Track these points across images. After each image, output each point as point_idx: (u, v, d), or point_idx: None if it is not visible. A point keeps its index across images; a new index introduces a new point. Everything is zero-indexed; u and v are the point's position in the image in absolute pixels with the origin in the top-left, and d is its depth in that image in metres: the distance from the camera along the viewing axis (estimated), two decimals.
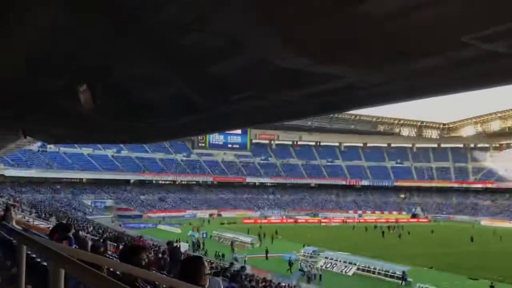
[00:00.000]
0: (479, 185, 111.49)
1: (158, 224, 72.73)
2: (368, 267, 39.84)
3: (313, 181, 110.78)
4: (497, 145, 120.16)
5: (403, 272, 37.44)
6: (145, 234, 53.70)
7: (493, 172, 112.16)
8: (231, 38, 2.38)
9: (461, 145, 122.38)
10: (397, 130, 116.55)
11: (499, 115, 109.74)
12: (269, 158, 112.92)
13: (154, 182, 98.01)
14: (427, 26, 1.95)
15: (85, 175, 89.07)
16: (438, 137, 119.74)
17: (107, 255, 10.51)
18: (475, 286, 35.54)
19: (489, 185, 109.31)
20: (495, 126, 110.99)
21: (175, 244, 18.63)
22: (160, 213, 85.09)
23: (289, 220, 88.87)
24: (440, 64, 2.35)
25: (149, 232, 61.23)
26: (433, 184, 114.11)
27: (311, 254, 44.92)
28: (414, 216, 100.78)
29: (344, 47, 2.29)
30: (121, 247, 21.62)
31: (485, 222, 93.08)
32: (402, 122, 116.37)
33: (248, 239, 55.50)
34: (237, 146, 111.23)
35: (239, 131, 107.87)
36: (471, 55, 2.14)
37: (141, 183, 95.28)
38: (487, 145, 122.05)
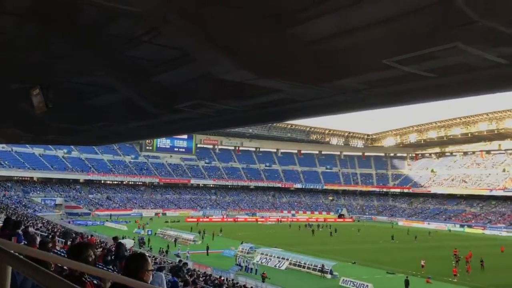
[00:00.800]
0: (397, 190, 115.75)
1: (105, 222, 70.72)
2: (299, 262, 40.36)
3: (252, 184, 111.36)
4: (413, 154, 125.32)
5: (323, 265, 38.29)
6: (93, 231, 52.05)
7: (410, 179, 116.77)
8: (178, 51, 2.35)
9: (383, 154, 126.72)
10: (327, 139, 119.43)
11: (415, 128, 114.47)
12: (213, 162, 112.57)
13: (102, 182, 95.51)
14: (354, 49, 2.01)
15: (36, 174, 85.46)
16: (362, 146, 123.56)
17: (56, 251, 10.10)
18: (392, 280, 36.68)
19: (405, 190, 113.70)
20: (412, 138, 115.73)
21: (120, 240, 18.11)
22: (107, 211, 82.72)
23: (229, 219, 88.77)
24: (366, 83, 2.42)
25: (97, 229, 59.39)
26: (358, 188, 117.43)
27: (248, 250, 45.10)
28: (340, 216, 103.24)
29: (281, 64, 2.31)
30: (69, 243, 20.84)
31: (402, 222, 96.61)
32: (332, 132, 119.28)
33: (190, 237, 54.96)
34: (183, 150, 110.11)
35: (185, 136, 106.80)
36: (392, 76, 2.22)
37: (89, 183, 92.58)
38: (404, 155, 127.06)
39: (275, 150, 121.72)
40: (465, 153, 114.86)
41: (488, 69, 2.05)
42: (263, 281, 32.95)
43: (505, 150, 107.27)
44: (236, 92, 2.95)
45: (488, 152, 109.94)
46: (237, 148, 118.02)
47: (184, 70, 2.69)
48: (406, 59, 2.06)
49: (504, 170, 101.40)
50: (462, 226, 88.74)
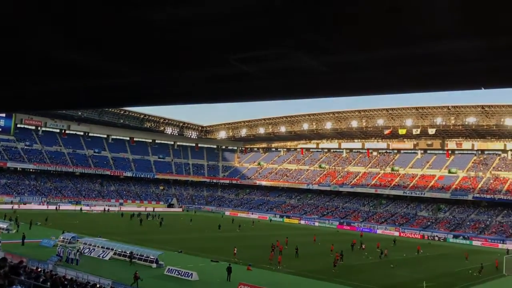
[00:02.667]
0: (226, 181, 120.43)
1: None
2: (124, 252, 39.48)
3: (79, 170, 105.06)
4: (243, 148, 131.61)
5: (131, 252, 38.31)
6: None
7: (238, 171, 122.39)
8: (5, 20, 2.15)
9: (215, 146, 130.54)
10: (162, 128, 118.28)
11: (246, 123, 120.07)
12: (34, 144, 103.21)
13: None
14: (197, 43, 2.09)
15: None
16: (196, 137, 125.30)
17: None
18: (216, 267, 38.08)
19: (234, 181, 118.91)
20: (243, 132, 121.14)
21: None
22: None
23: (51, 207, 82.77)
24: (210, 77, 2.52)
25: None
26: (189, 178, 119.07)
27: (70, 239, 42.72)
28: (170, 206, 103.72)
29: (128, 48, 2.27)
30: None
31: (228, 212, 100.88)
32: (167, 121, 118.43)
33: (3, 225, 49.91)
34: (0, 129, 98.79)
35: (3, 114, 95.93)
36: (231, 72, 2.35)
37: None
38: (235, 148, 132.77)
39: (105, 136, 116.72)
40: (288, 149, 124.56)
41: (315, 75, 2.29)
42: (134, 282, 29.57)
43: (322, 148, 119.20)
44: (73, 72, 2.81)
45: (307, 149, 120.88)
46: (63, 131, 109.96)
47: (12, 42, 2.47)
48: (244, 58, 2.20)
49: (320, 167, 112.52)
50: (281, 216, 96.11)
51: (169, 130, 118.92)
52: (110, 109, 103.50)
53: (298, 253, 45.54)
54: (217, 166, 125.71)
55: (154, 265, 36.84)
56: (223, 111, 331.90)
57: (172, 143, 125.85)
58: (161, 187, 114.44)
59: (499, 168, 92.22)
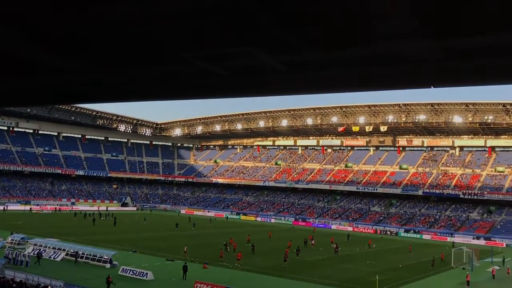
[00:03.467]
0: (182, 179, 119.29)
1: None
2: (77, 253, 38.55)
3: (28, 169, 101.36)
4: (199, 145, 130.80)
5: (76, 252, 37.70)
6: None
7: (194, 169, 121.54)
8: None
9: (170, 144, 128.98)
10: (115, 125, 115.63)
11: (202, 120, 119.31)
12: None
13: None
14: (154, 39, 2.10)
15: None
16: (151, 135, 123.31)
17: None
18: (172, 266, 37.78)
19: (190, 179, 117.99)
20: (199, 129, 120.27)
21: None
22: None
23: None
24: (168, 74, 2.54)
25: None
26: (143, 177, 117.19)
27: (19, 241, 41.28)
28: (124, 205, 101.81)
29: (87, 44, 2.26)
30: None
31: (184, 210, 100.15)
32: (120, 118, 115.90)
33: None
34: None
35: None
36: (190, 70, 2.38)
37: None
38: (191, 145, 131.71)
39: (56, 134, 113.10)
40: (245, 147, 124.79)
41: (273, 73, 2.35)
42: (107, 287, 28.71)
43: (278, 146, 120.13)
44: (25, 69, 2.75)
45: (264, 147, 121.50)
46: (11, 128, 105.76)
47: None
48: (203, 55, 2.23)
49: (276, 164, 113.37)
50: (238, 214, 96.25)
51: (122, 128, 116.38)
52: (60, 106, 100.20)
53: (254, 250, 45.80)
54: (172, 164, 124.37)
55: (108, 265, 36.14)
56: (178, 107, 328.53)
57: (126, 140, 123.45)
58: (115, 186, 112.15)
59: (448, 164, 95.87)
